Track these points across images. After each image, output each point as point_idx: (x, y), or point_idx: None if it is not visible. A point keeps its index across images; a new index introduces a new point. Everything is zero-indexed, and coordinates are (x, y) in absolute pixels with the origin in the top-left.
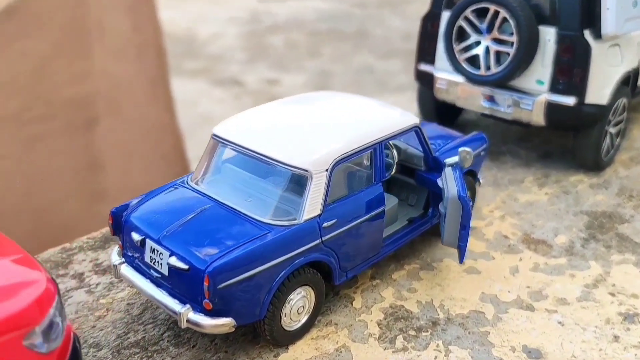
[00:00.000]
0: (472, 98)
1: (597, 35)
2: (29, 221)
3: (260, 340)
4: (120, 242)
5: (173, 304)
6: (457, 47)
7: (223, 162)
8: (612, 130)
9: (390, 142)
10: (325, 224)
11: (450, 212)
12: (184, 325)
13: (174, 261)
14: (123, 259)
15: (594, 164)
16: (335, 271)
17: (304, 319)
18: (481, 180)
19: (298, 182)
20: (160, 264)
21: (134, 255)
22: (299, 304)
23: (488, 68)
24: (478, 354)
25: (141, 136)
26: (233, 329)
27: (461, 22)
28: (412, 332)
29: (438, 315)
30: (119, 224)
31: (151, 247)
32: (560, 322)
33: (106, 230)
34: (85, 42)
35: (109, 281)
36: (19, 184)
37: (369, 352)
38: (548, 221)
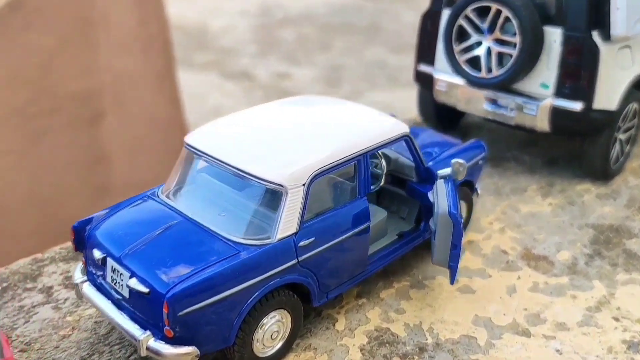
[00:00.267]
0: (473, 101)
1: (606, 36)
2: (34, 215)
3: None
4: (83, 259)
5: (133, 329)
6: (457, 48)
7: (198, 172)
8: (622, 136)
9: (378, 151)
10: (301, 243)
11: (441, 229)
12: (143, 353)
13: (134, 283)
14: (86, 277)
15: (602, 172)
16: (314, 293)
17: (278, 344)
18: (479, 191)
19: (272, 197)
20: (121, 285)
21: (96, 274)
22: (272, 328)
23: (489, 70)
24: None
25: (147, 131)
26: (197, 359)
27: (461, 21)
28: None
29: (426, 340)
30: (82, 239)
31: (112, 267)
32: (558, 350)
33: None
34: (91, 36)
35: None
36: (24, 178)
37: None
38: (550, 235)
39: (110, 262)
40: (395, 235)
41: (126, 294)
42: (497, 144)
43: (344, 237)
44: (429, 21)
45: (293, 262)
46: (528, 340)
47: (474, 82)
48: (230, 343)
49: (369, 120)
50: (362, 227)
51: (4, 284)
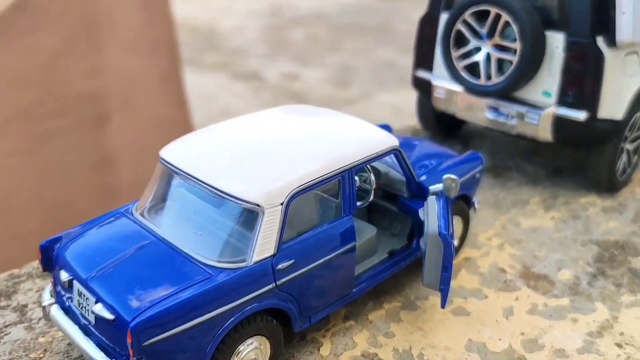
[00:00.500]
0: (473, 109)
1: (612, 42)
2: (40, 217)
3: None
4: (52, 280)
5: (100, 357)
6: (455, 54)
7: (174, 188)
8: (629, 147)
9: (367, 165)
10: (280, 266)
11: (431, 249)
12: None
13: (99, 309)
14: (54, 300)
15: (608, 184)
16: (294, 318)
17: None
18: (476, 206)
19: (248, 217)
20: (87, 310)
21: (65, 296)
22: (250, 356)
23: (489, 77)
24: None
25: (153, 132)
26: None
27: (459, 25)
28: None
29: None
30: (50, 259)
31: (78, 290)
32: None
33: None
34: (97, 37)
35: None
36: (30, 179)
37: None
38: (552, 252)
39: (76, 285)
40: (385, 254)
41: (92, 319)
42: (499, 153)
43: (327, 258)
44: (427, 25)
45: (270, 286)
46: None
47: (473, 90)
48: None
49: (356, 134)
50: (347, 247)
51: None
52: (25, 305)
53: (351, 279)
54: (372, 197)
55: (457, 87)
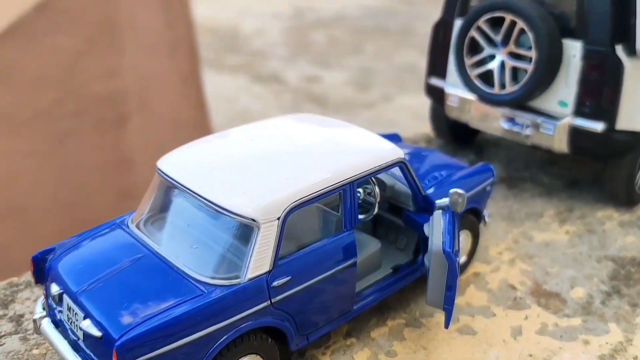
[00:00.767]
0: (488, 118)
1: (631, 51)
2: (58, 216)
3: None
4: (44, 292)
5: None
6: (468, 61)
7: (171, 199)
8: None
9: (372, 177)
10: (275, 283)
11: (435, 267)
12: None
13: (87, 325)
14: (45, 313)
15: (626, 197)
16: (290, 337)
17: None
18: (487, 219)
19: (243, 232)
20: (76, 325)
21: (57, 309)
22: None
23: (503, 86)
24: None
25: (171, 133)
26: None
27: (473, 32)
28: None
29: None
30: (42, 271)
31: (68, 305)
32: None
33: None
34: (117, 38)
35: None
36: (49, 179)
37: None
38: (565, 268)
39: (66, 299)
40: (390, 269)
41: (81, 335)
42: (515, 163)
43: (325, 275)
44: (441, 31)
45: (265, 304)
46: None
47: (486, 99)
48: None
49: (360, 145)
50: (347, 263)
51: None
52: (21, 315)
53: (352, 296)
54: (376, 211)
55: (470, 96)
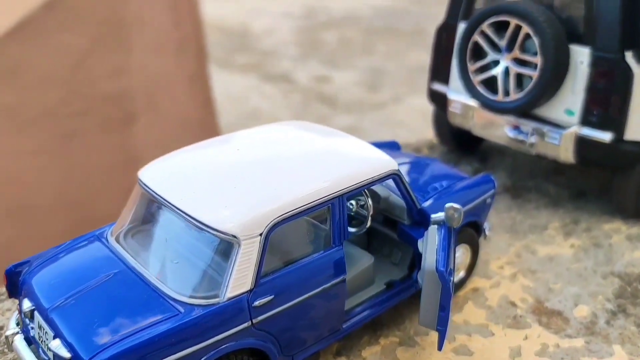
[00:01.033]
0: (492, 126)
1: None
2: (64, 217)
3: None
4: (18, 307)
5: None
6: (471, 67)
7: (153, 211)
8: None
9: (364, 189)
10: (257, 303)
11: (427, 286)
12: None
13: (56, 346)
14: (19, 329)
15: (635, 209)
16: (274, 358)
17: None
18: (487, 232)
19: (224, 249)
20: (47, 344)
21: (29, 325)
22: None
23: (507, 93)
24: None
25: (179, 133)
26: None
27: (477, 37)
28: None
29: None
30: (16, 285)
31: (39, 322)
32: None
33: None
34: (124, 37)
35: None
36: (55, 179)
37: None
38: (569, 284)
39: (37, 316)
40: (383, 285)
41: (51, 356)
42: (520, 172)
43: (311, 293)
44: (444, 35)
45: (246, 324)
46: None
47: (490, 106)
48: None
49: (351, 156)
50: (335, 281)
51: None
52: (1, 328)
53: (341, 314)
54: (368, 224)
55: (473, 102)
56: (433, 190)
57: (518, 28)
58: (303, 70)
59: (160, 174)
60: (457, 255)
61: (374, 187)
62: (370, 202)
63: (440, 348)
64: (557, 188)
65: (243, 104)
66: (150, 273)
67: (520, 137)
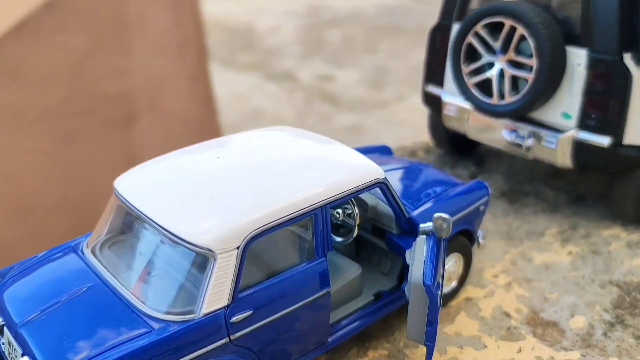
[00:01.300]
0: (488, 129)
1: None
2: (66, 216)
3: None
4: None
5: None
6: (465, 69)
7: (129, 222)
8: None
9: (351, 198)
10: (234, 318)
11: (415, 300)
12: None
13: None
14: None
15: (635, 215)
16: None
17: None
18: (481, 241)
19: (199, 263)
20: None
21: (1, 342)
22: None
23: (502, 96)
24: None
25: (180, 132)
26: None
27: (471, 38)
28: None
29: None
30: None
31: (8, 339)
32: None
33: None
34: (126, 37)
35: None
36: (56, 178)
37: None
38: (566, 293)
39: (6, 332)
40: (371, 296)
41: None
42: (517, 175)
43: (293, 308)
44: (438, 37)
45: (223, 341)
46: None
47: (484, 109)
48: None
49: (336, 164)
50: (318, 294)
51: None
52: None
53: (325, 328)
54: (355, 234)
55: (469, 105)
56: (425, 197)
57: (513, 29)
58: (306, 69)
59: (136, 184)
60: (449, 264)
61: (361, 195)
62: (357, 210)
63: None
64: (555, 192)
65: (246, 102)
66: (125, 287)
67: (517, 140)
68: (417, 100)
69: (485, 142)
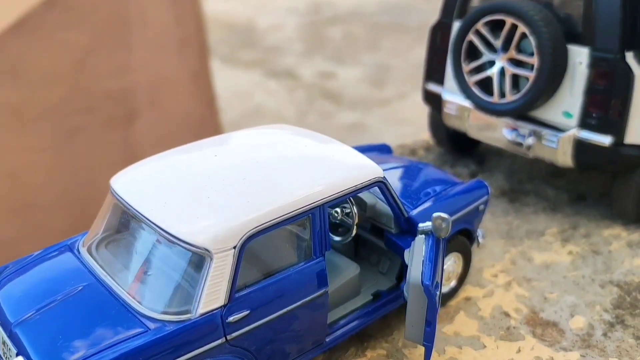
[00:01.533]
0: (488, 128)
1: None
2: (67, 215)
3: None
4: None
5: None
6: (466, 67)
7: (125, 221)
8: None
9: (349, 198)
10: (231, 318)
11: (413, 300)
12: None
13: None
14: None
15: (636, 214)
16: None
17: None
18: (481, 240)
19: (196, 263)
20: None
21: None
22: None
23: (502, 95)
24: None
25: (181, 130)
26: None
27: (472, 36)
28: None
29: None
30: None
31: (2, 338)
32: None
33: None
34: (127, 35)
35: None
36: (58, 176)
37: None
38: (566, 293)
39: (0, 331)
40: (370, 296)
41: None
42: (518, 174)
43: (290, 308)
44: (438, 34)
45: (220, 341)
46: None
47: (485, 108)
48: None
49: (334, 163)
50: (316, 294)
51: None
52: None
53: (323, 328)
54: (354, 233)
55: (469, 103)
56: (425, 196)
57: (514, 27)
58: (308, 67)
59: (132, 182)
60: (448, 264)
61: (360, 194)
62: (355, 209)
63: None
64: (556, 192)
65: (247, 100)
66: (121, 287)
67: (517, 139)
68: (419, 99)
69: (486, 141)
